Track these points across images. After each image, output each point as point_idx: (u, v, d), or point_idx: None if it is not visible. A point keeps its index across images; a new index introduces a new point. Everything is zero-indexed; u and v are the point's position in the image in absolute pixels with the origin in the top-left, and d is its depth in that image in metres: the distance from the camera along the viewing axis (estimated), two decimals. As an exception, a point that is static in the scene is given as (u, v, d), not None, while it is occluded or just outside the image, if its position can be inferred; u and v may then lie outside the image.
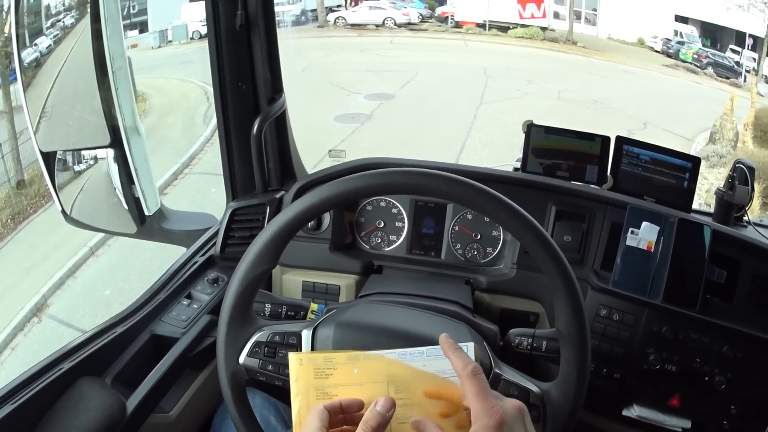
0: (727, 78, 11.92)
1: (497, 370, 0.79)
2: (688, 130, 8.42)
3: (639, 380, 1.19)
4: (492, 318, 1.25)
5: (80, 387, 0.97)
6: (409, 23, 14.46)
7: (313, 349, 0.78)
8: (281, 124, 1.45)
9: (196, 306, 1.22)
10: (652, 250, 1.20)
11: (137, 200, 1.29)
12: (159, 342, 1.13)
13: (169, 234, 1.41)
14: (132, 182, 1.27)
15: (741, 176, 1.39)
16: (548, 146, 1.39)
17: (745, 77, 11.67)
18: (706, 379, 1.15)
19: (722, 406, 1.17)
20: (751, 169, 1.39)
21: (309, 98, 8.16)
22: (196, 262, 1.31)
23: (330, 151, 1.53)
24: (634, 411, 1.21)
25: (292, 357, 0.69)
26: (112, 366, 1.05)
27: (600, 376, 1.20)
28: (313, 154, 1.52)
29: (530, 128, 1.39)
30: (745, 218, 1.47)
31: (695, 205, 1.41)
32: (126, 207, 1.30)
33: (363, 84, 9.68)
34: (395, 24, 14.40)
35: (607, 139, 1.38)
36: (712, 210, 1.51)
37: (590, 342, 0.77)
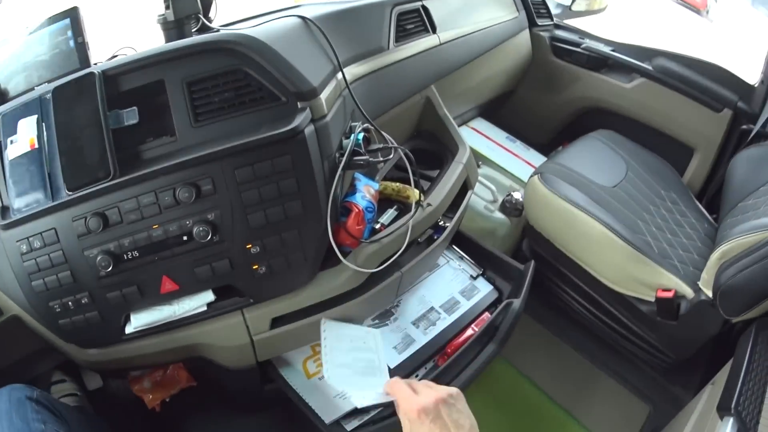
0: None
1: None
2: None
3: (109, 290, 1.02)
4: None
5: None
6: None
7: None
8: None
9: None
10: (37, 146, 1.02)
11: None
12: None
13: None
14: None
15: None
16: None
17: None
18: (184, 238, 1.00)
19: (232, 254, 1.02)
20: None
21: None
22: None
23: None
24: (132, 323, 1.05)
25: None
26: None
27: (69, 310, 1.04)
28: None
29: None
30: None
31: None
32: None
33: None
34: None
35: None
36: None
37: None
